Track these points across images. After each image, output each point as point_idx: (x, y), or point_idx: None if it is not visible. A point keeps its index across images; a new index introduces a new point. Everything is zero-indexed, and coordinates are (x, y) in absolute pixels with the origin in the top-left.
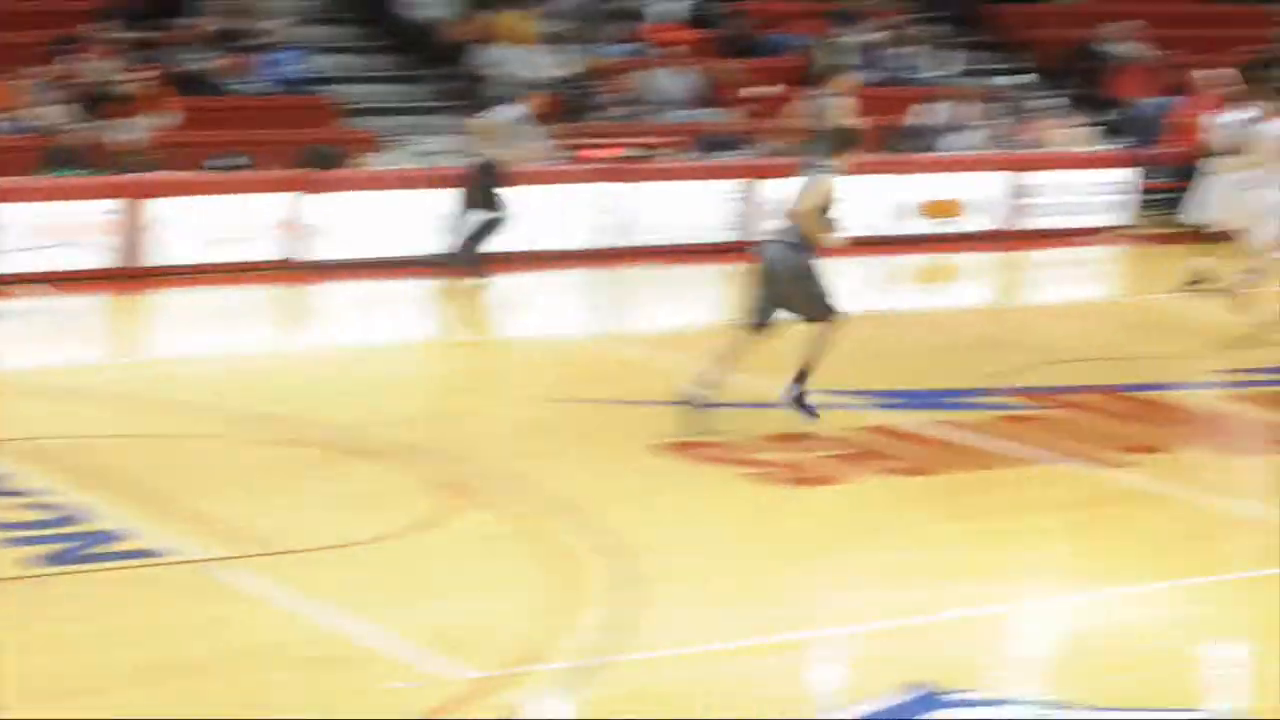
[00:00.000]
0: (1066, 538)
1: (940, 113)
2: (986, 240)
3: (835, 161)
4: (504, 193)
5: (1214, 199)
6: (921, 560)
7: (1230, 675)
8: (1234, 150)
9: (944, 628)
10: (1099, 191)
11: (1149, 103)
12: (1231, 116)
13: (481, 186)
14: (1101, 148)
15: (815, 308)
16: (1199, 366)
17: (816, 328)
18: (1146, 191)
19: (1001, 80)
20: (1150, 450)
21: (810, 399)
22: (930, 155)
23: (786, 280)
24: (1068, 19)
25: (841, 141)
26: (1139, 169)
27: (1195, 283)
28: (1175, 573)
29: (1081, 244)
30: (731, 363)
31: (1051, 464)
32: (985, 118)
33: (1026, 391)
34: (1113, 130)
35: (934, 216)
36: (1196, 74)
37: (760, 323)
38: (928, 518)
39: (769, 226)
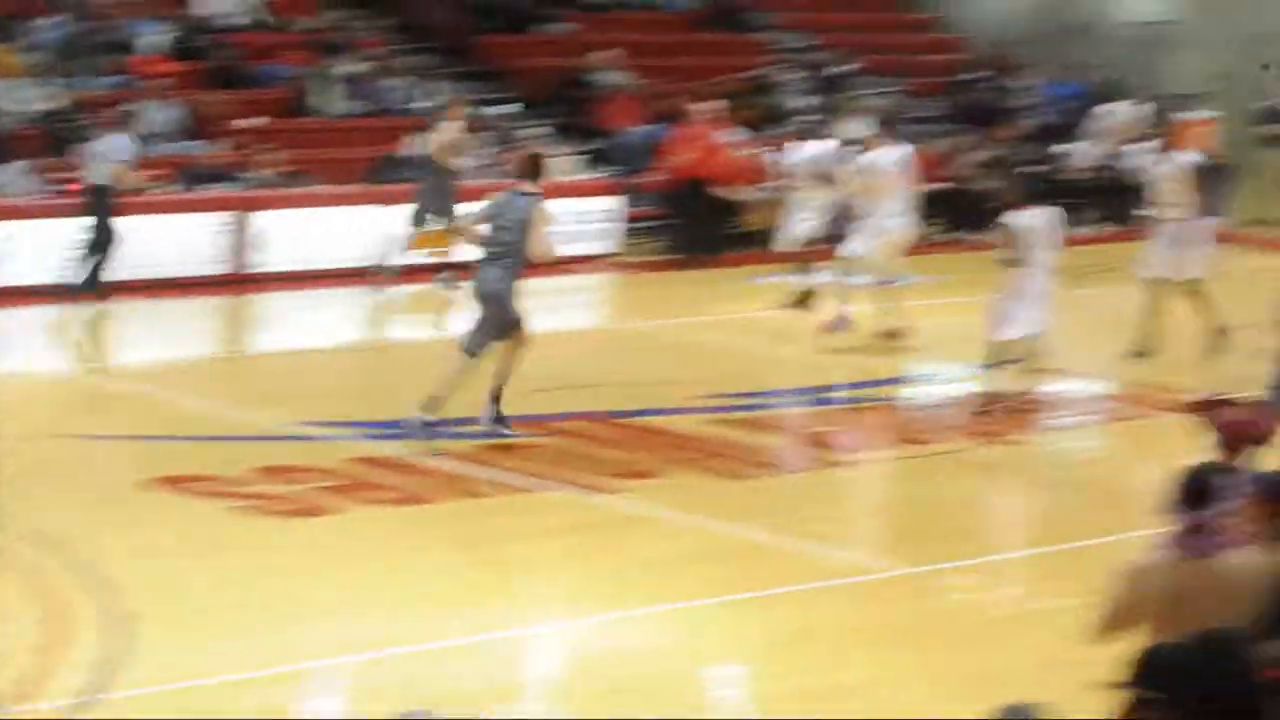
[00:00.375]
0: (564, 564)
1: (428, 143)
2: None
3: (534, 185)
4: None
5: (803, 229)
6: (419, 589)
7: (732, 694)
8: (821, 180)
9: (444, 655)
10: (586, 220)
11: (636, 131)
12: (817, 148)
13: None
14: (588, 176)
15: (506, 329)
16: (687, 392)
17: (506, 347)
18: (632, 220)
19: (489, 110)
20: (644, 476)
21: (416, 423)
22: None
23: (494, 301)
24: (555, 48)
25: (537, 166)
26: (625, 197)
27: (800, 303)
28: (673, 596)
29: (571, 272)
30: (457, 386)
31: (546, 491)
32: (474, 147)
33: (518, 420)
34: (600, 159)
35: (427, 247)
36: (691, 104)
37: (479, 347)
38: (423, 546)
39: (484, 250)
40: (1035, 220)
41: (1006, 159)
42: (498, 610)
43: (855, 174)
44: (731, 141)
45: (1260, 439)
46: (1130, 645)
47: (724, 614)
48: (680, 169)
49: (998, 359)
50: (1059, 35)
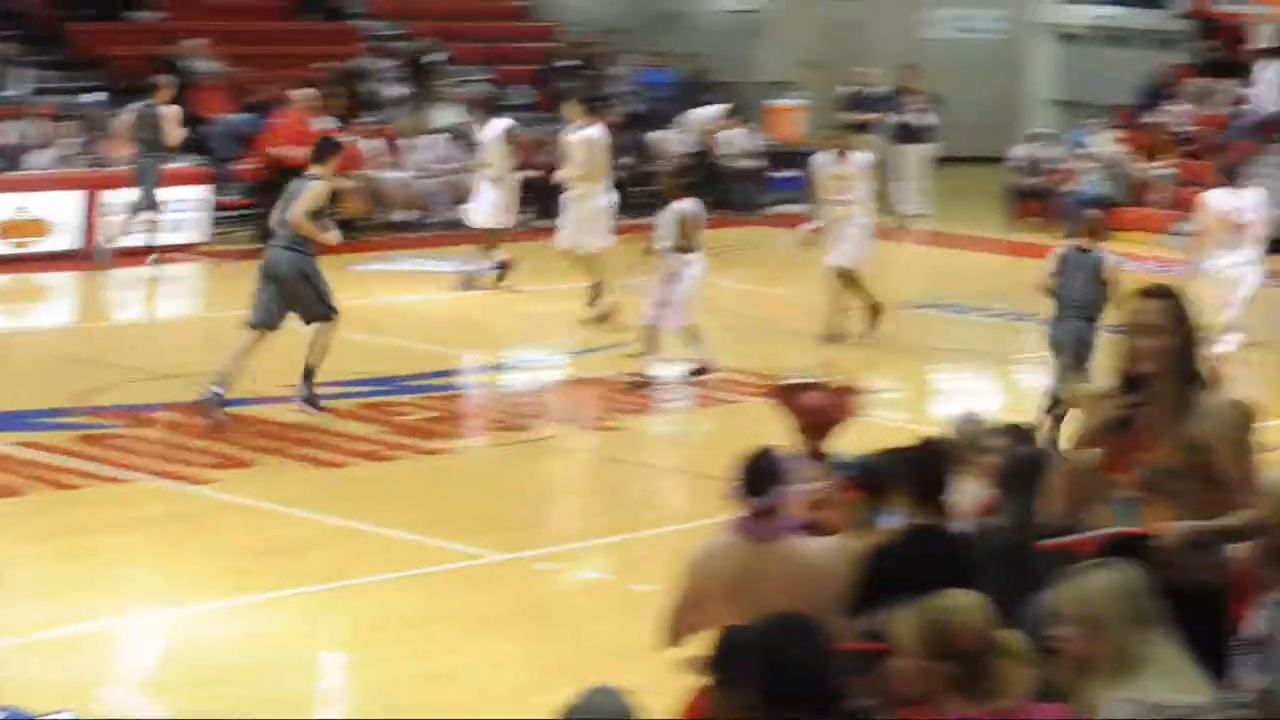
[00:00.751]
0: (156, 555)
1: (14, 132)
2: (69, 259)
3: (321, 169)
4: None
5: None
6: (5, 581)
7: (336, 682)
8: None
9: (28, 649)
10: (178, 209)
11: (228, 119)
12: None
13: None
14: (179, 164)
15: (315, 309)
16: (280, 381)
17: (316, 327)
18: (223, 208)
19: (77, 98)
20: (237, 465)
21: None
22: (8, 175)
23: (291, 282)
24: (143, 36)
25: (327, 150)
26: (216, 186)
27: (601, 318)
28: (270, 586)
29: (164, 261)
30: (246, 361)
31: (138, 482)
32: (61, 136)
33: (110, 410)
34: (193, 147)
35: (13, 237)
36: (285, 92)
37: (269, 322)
38: (11, 538)
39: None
40: (697, 208)
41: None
42: (86, 602)
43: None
44: (326, 129)
45: (835, 424)
46: (704, 629)
47: (322, 602)
48: (274, 157)
49: (653, 346)
50: (650, 23)
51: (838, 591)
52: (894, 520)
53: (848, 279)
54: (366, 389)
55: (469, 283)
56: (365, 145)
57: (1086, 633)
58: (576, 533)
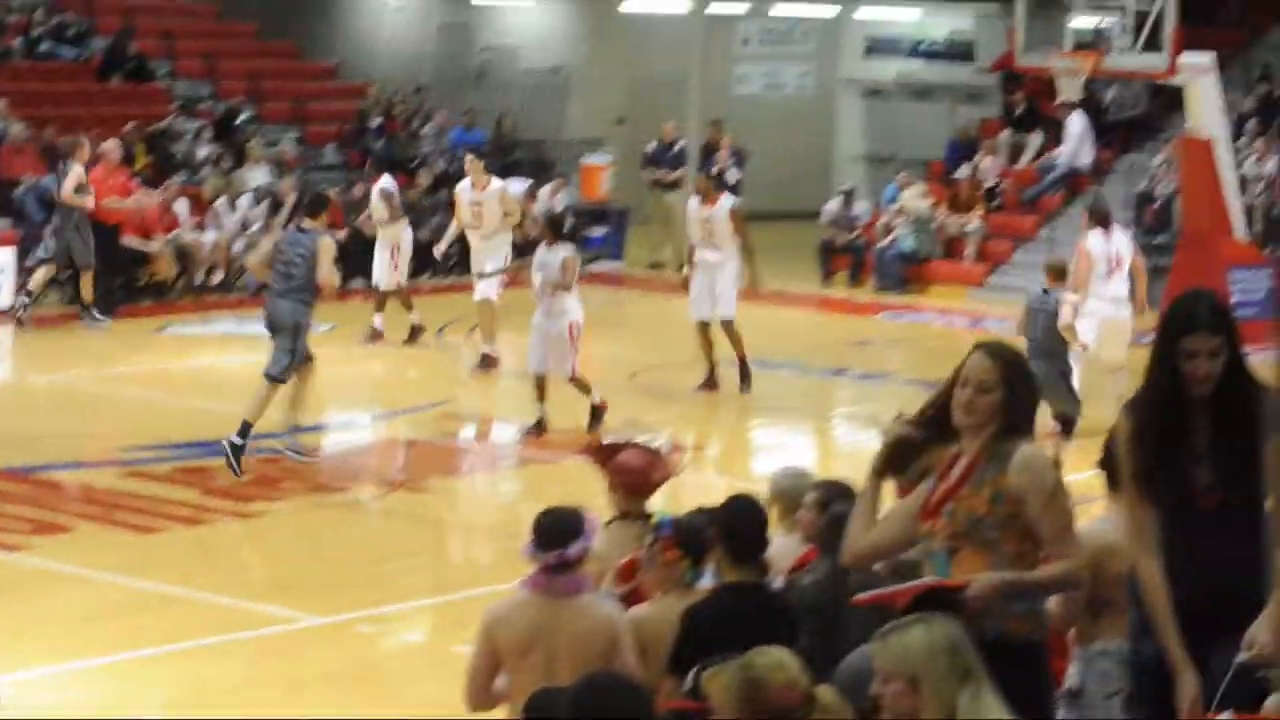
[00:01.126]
0: None
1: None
2: None
3: (317, 222)
4: None
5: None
6: None
7: None
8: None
9: None
10: None
11: (38, 182)
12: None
13: None
14: None
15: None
16: (96, 446)
17: (266, 381)
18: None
19: None
20: (53, 531)
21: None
22: None
23: (287, 329)
24: None
25: (319, 204)
26: (24, 248)
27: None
28: (87, 652)
29: None
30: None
31: None
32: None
33: None
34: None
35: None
36: (95, 152)
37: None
38: None
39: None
40: (575, 252)
41: (415, 205)
42: None
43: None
44: (136, 190)
45: (654, 485)
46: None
47: (143, 668)
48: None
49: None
50: (459, 82)
51: (630, 649)
52: (712, 579)
53: (704, 330)
54: (182, 453)
55: (372, 337)
56: (175, 207)
57: (906, 688)
58: (396, 594)
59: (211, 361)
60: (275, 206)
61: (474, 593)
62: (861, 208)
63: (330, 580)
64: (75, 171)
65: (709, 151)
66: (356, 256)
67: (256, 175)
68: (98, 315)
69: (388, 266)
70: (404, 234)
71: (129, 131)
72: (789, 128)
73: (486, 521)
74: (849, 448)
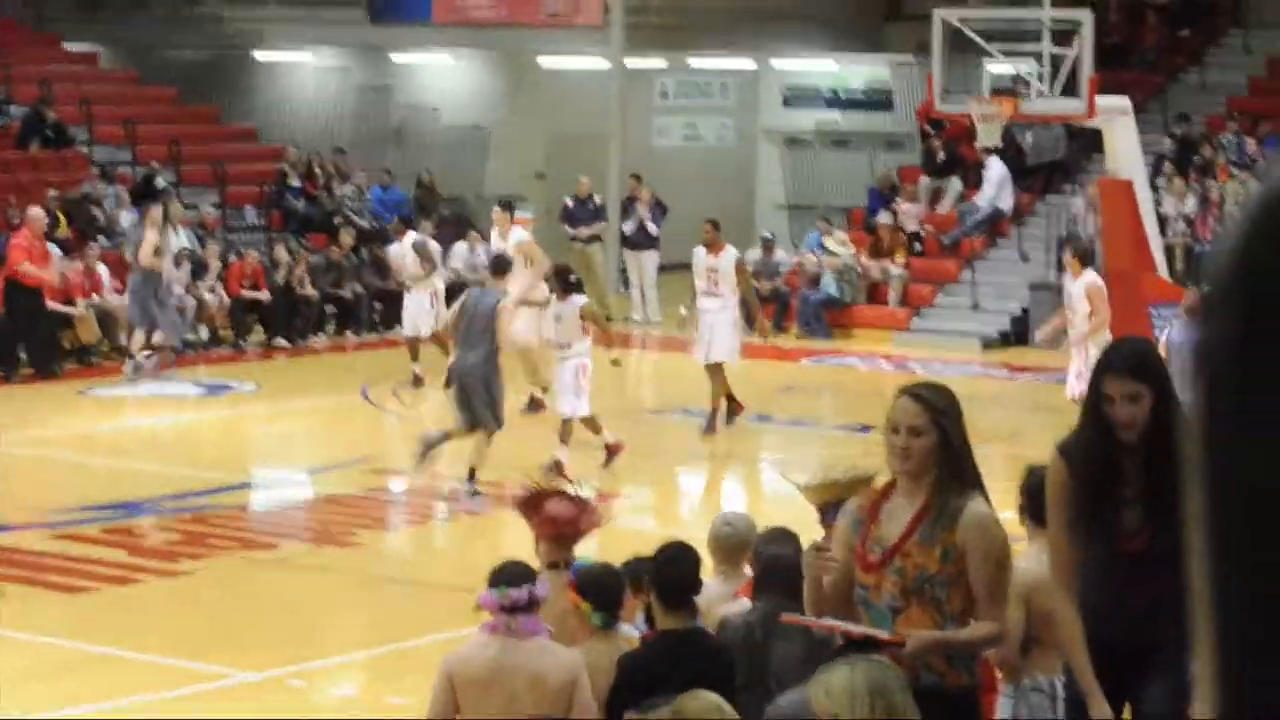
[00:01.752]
0: None
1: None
2: None
3: (501, 282)
4: None
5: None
6: None
7: None
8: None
9: None
10: None
11: None
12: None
13: None
14: None
15: (484, 415)
16: (21, 508)
17: (480, 434)
18: None
19: None
20: None
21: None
22: None
23: (480, 385)
24: None
25: (502, 266)
26: None
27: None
28: (16, 713)
29: None
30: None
31: None
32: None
33: None
34: None
35: None
36: (18, 218)
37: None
38: None
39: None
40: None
41: (338, 264)
42: None
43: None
44: (59, 254)
45: (581, 534)
46: None
47: None
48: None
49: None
50: (378, 141)
51: (587, 689)
52: (632, 628)
53: (717, 372)
54: (109, 513)
55: (416, 382)
56: (97, 270)
57: None
58: (328, 649)
59: (136, 423)
60: (198, 270)
61: (405, 645)
62: (783, 256)
63: (261, 636)
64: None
65: (629, 204)
66: (281, 315)
67: (177, 239)
68: None
69: (427, 314)
70: (439, 283)
71: (51, 198)
72: (710, 179)
73: (416, 575)
74: (775, 494)
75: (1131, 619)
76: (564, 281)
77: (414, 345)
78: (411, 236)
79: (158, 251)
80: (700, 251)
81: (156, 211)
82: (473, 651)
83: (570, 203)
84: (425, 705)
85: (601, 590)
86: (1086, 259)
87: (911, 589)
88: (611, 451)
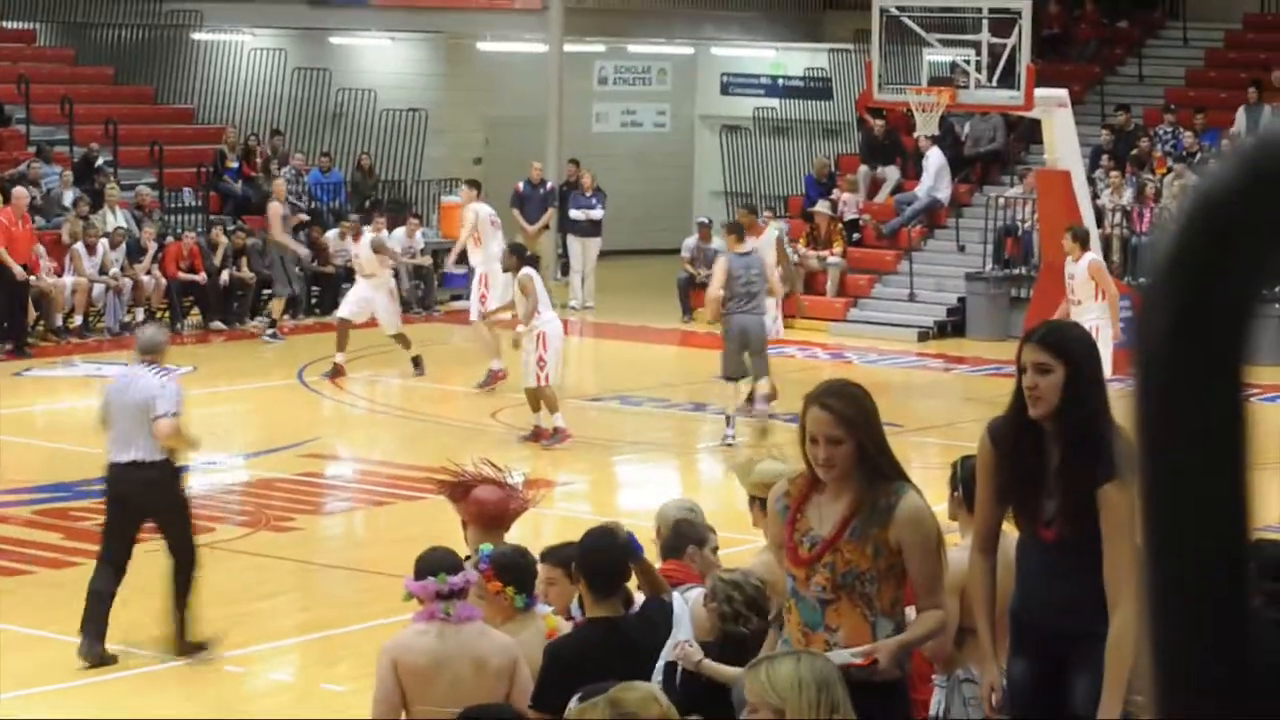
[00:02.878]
0: None
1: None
2: None
3: (742, 243)
4: None
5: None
6: None
7: None
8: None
9: None
10: None
11: None
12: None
13: None
14: None
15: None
16: None
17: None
18: None
19: None
20: None
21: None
22: None
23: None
24: None
25: (738, 228)
26: None
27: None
28: None
29: None
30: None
31: None
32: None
33: None
34: None
35: None
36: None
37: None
38: None
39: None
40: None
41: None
42: None
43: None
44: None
45: (510, 518)
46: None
47: (8, 711)
48: None
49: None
50: (317, 124)
51: (526, 674)
52: (544, 610)
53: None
54: (44, 495)
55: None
56: (34, 250)
57: (772, 719)
58: (263, 634)
59: (72, 404)
60: (136, 251)
61: (342, 630)
62: (719, 243)
63: (196, 620)
64: None
65: (568, 189)
66: (219, 301)
67: (114, 219)
68: None
69: (387, 309)
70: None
71: None
72: (647, 165)
73: (353, 560)
74: (711, 482)
75: (1052, 604)
76: (521, 255)
77: (344, 332)
78: (367, 235)
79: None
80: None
81: (280, 185)
82: (413, 639)
83: (522, 187)
84: (371, 694)
85: (519, 572)
86: (1085, 241)
87: (841, 584)
88: (539, 435)
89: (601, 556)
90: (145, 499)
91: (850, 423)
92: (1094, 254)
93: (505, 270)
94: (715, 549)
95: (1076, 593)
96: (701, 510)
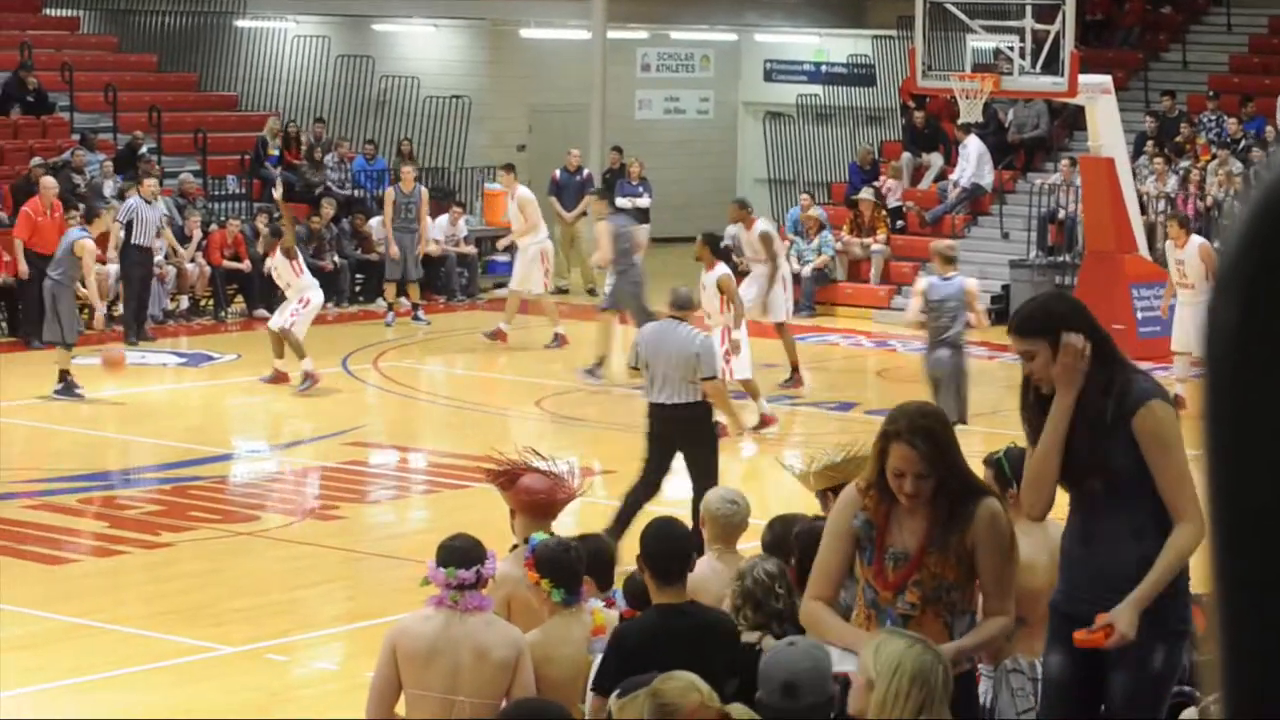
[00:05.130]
0: None
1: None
2: None
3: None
4: None
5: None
6: None
7: None
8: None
9: None
10: None
11: None
12: None
13: None
14: None
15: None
16: (6, 477)
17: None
18: None
19: None
20: None
21: None
22: None
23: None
24: None
25: (950, 257)
26: None
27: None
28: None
29: None
30: None
31: None
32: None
33: None
34: None
35: None
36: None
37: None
38: None
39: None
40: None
41: (319, 235)
42: None
43: None
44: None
45: (558, 507)
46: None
47: (57, 700)
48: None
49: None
50: (360, 111)
51: (529, 669)
52: (594, 604)
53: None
54: (88, 484)
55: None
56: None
57: (865, 687)
58: (307, 622)
59: (116, 392)
60: (181, 239)
61: (386, 619)
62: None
63: (241, 609)
64: None
65: (614, 177)
66: (264, 289)
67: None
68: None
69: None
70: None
71: (35, 165)
72: (690, 152)
73: (395, 548)
74: (756, 470)
75: (1094, 588)
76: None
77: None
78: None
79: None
80: (735, 229)
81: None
82: (415, 624)
83: (559, 175)
84: (373, 675)
85: (558, 567)
86: (1189, 227)
87: (930, 598)
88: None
89: (665, 544)
90: (681, 435)
91: (936, 461)
92: (1200, 238)
93: (698, 260)
94: None
95: (1116, 571)
96: (746, 500)
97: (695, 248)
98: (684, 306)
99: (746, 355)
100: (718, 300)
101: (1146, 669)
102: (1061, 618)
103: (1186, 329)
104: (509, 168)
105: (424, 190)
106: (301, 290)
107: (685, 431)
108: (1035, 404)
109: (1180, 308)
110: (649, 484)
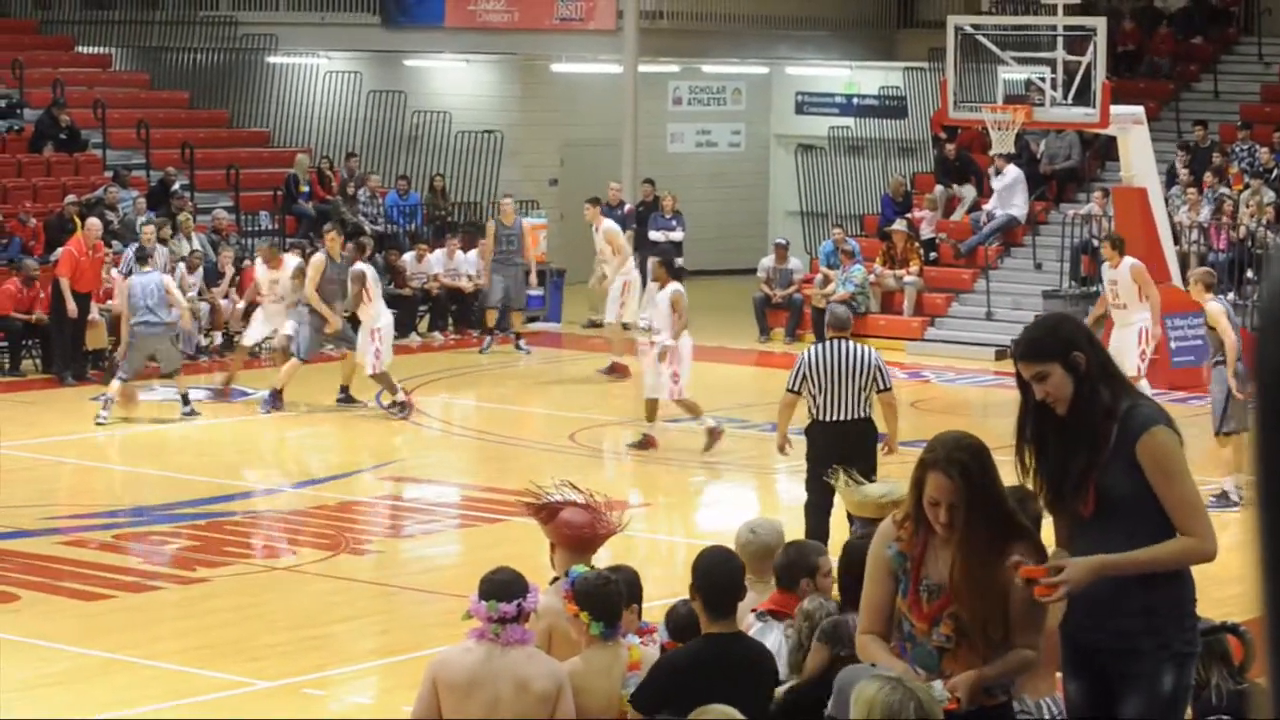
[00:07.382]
0: None
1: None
2: None
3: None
4: None
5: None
6: None
7: None
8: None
9: None
10: None
11: None
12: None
13: None
14: None
15: None
16: (37, 514)
17: None
18: None
19: None
20: (3, 601)
21: None
22: None
23: None
24: None
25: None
26: None
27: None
28: None
29: None
30: None
31: None
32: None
33: None
34: None
35: None
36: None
37: None
38: None
39: None
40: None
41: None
42: None
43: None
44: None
45: (598, 542)
46: None
47: None
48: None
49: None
50: (393, 146)
51: (570, 701)
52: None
53: None
54: (122, 520)
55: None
56: (111, 275)
57: None
58: (342, 657)
59: (151, 428)
60: (212, 275)
61: (422, 653)
62: (796, 262)
63: (276, 644)
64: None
65: (647, 210)
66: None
67: (191, 243)
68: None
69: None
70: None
71: (69, 203)
72: (722, 185)
73: (432, 583)
74: (791, 501)
75: (1099, 614)
76: (669, 268)
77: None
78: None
79: None
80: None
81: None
82: (456, 656)
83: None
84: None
85: (597, 600)
86: (1122, 248)
87: (965, 630)
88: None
89: (716, 575)
90: (847, 452)
91: (971, 492)
92: (1133, 259)
93: (654, 281)
94: (829, 572)
95: (1121, 596)
96: (771, 527)
97: (652, 268)
98: (843, 326)
99: (687, 374)
100: (670, 316)
101: (1157, 693)
102: (1074, 646)
103: (1119, 349)
104: (594, 201)
105: (525, 223)
106: (373, 321)
107: (853, 448)
108: (1034, 438)
109: (1116, 329)
110: (819, 507)
